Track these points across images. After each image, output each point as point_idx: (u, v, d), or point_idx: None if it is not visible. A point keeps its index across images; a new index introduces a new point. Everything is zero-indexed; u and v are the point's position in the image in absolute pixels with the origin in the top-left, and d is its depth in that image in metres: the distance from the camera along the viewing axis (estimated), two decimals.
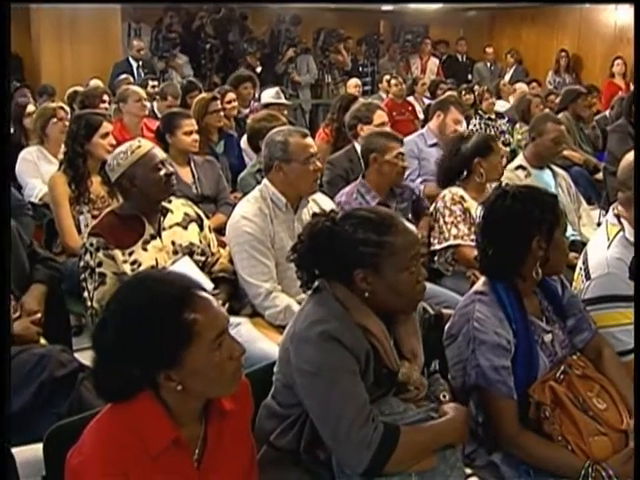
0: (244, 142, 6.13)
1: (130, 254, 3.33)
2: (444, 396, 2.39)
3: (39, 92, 8.52)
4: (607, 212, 3.13)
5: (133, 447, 1.77)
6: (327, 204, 3.71)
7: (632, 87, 10.42)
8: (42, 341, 3.27)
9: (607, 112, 8.63)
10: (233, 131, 6.65)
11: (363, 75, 12.58)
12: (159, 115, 7.03)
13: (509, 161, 5.56)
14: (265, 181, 3.60)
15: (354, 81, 10.06)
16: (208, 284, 3.28)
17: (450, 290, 4.00)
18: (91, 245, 3.31)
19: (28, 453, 2.60)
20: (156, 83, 8.68)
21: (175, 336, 1.76)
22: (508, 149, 7.61)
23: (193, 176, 5.01)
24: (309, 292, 2.34)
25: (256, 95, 7.89)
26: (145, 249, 3.37)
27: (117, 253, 3.30)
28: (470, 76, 13.53)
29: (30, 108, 6.53)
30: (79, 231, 4.31)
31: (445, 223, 4.19)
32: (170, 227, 3.49)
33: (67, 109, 5.91)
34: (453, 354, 2.57)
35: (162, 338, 1.75)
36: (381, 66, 13.41)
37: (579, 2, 12.65)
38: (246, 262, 3.44)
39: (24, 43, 10.71)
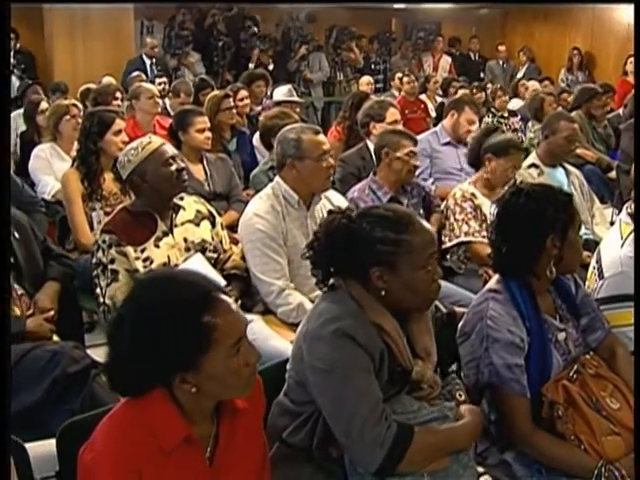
0: (256, 139, 6.14)
1: (142, 251, 3.33)
2: (460, 395, 2.38)
3: (52, 89, 8.54)
4: (620, 211, 3.12)
5: (145, 444, 1.77)
6: (339, 201, 3.71)
7: None
8: (55, 338, 3.28)
9: (620, 110, 8.59)
10: (245, 128, 6.65)
11: (375, 73, 12.57)
12: (171, 112, 7.05)
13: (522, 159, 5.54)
14: (277, 178, 3.60)
15: (366, 79, 10.06)
16: (220, 281, 3.28)
17: (463, 288, 3.99)
18: (103, 242, 3.31)
19: (42, 448, 2.61)
20: (165, 80, 8.69)
21: (194, 340, 1.75)
22: None
23: (205, 173, 5.01)
24: (324, 290, 2.34)
25: (268, 93, 7.89)
26: (157, 246, 3.38)
27: (129, 250, 3.31)
28: (482, 74, 13.49)
29: (43, 105, 6.56)
30: (92, 228, 4.32)
31: (456, 220, 4.19)
32: (182, 224, 3.50)
33: (80, 106, 5.92)
34: (466, 352, 2.57)
35: (181, 341, 1.74)
36: (393, 64, 13.40)
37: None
38: (258, 259, 3.44)
39: (37, 41, 10.77)
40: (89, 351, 3.23)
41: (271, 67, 11.30)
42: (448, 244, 4.23)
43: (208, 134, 5.05)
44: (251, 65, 11.26)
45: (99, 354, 3.10)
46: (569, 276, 2.72)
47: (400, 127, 5.33)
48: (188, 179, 3.54)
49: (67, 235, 4.48)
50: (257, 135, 6.04)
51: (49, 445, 2.52)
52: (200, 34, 11.73)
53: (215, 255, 3.57)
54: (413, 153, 4.37)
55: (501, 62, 13.76)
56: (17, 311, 3.22)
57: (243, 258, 3.57)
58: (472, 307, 2.62)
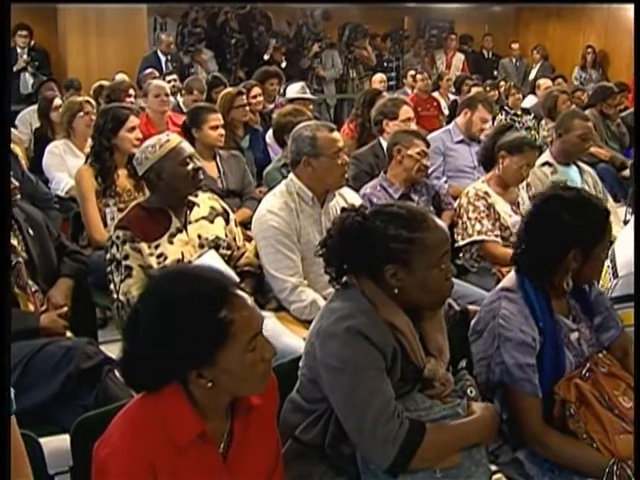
0: (269, 136, 6.14)
1: (156, 247, 3.35)
2: (471, 392, 2.37)
3: (65, 86, 8.56)
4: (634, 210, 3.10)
5: (160, 439, 1.77)
6: (353, 198, 3.72)
7: None
8: (68, 334, 3.29)
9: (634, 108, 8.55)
10: (258, 126, 6.65)
11: (388, 70, 12.54)
12: (184, 109, 7.06)
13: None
14: (291, 175, 3.60)
15: (379, 76, 10.04)
16: (234, 278, 3.29)
17: (475, 286, 3.98)
18: (118, 238, 3.32)
19: (55, 443, 2.62)
20: (175, 77, 8.70)
21: (211, 335, 1.75)
22: None
23: (219, 170, 5.02)
24: (337, 287, 2.34)
25: (281, 90, 7.89)
26: (171, 242, 3.39)
27: (143, 246, 3.32)
28: (495, 72, 13.45)
29: (57, 102, 6.58)
30: (105, 224, 4.33)
31: (469, 219, 4.18)
32: (196, 221, 3.51)
33: (93, 103, 5.94)
34: (478, 350, 2.56)
35: (198, 336, 1.75)
36: (406, 61, 13.38)
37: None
38: (272, 256, 3.44)
39: (51, 38, 10.80)
40: (102, 347, 3.23)
41: (284, 64, 11.29)
42: (461, 243, 4.22)
43: (221, 131, 5.05)
44: (266, 57, 11.26)
45: (112, 350, 3.12)
46: None
47: (413, 125, 5.35)
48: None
49: (81, 231, 4.49)
50: (270, 132, 6.04)
51: (63, 440, 2.54)
52: (213, 31, 11.73)
53: (229, 252, 3.58)
54: (424, 153, 4.38)
55: (514, 60, 13.72)
56: (31, 307, 3.24)
57: (256, 255, 3.57)
58: (485, 305, 2.61)
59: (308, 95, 7.12)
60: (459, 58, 13.62)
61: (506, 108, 8.56)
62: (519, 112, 8.53)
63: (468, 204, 4.19)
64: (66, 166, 5.54)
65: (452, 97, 10.12)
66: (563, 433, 2.43)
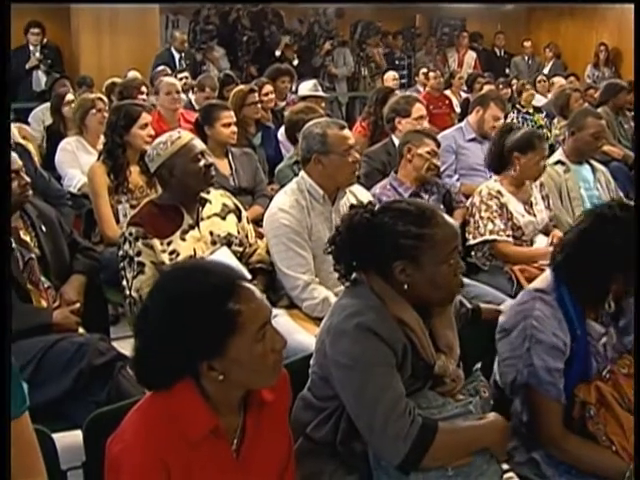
0: (281, 134, 6.14)
1: (169, 244, 3.36)
2: (484, 392, 2.37)
3: (78, 83, 8.58)
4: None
5: (173, 435, 1.78)
6: (365, 196, 3.70)
7: None
8: (80, 330, 3.30)
9: None
10: (270, 123, 6.65)
11: (399, 68, 12.52)
12: (196, 106, 7.06)
13: (547, 156, 5.51)
14: (302, 173, 3.60)
15: (391, 74, 10.01)
16: (246, 275, 3.29)
17: (487, 285, 3.97)
18: (130, 234, 3.33)
19: (68, 439, 2.64)
20: (187, 75, 8.71)
21: (219, 326, 1.77)
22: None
23: (231, 168, 5.02)
24: (346, 285, 2.34)
25: (293, 88, 7.89)
26: (183, 239, 3.40)
27: (156, 243, 3.33)
28: (507, 70, 13.42)
29: (69, 97, 6.62)
30: (117, 221, 4.34)
31: (481, 218, 4.17)
32: (208, 217, 3.51)
33: (106, 100, 5.96)
34: (505, 349, 2.54)
35: (206, 328, 1.76)
36: (418, 59, 13.35)
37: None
38: (283, 254, 3.45)
39: (63, 35, 10.83)
40: (114, 344, 3.25)
41: (295, 62, 11.29)
42: (473, 242, 4.21)
43: (234, 128, 5.06)
44: (277, 53, 11.26)
45: (124, 347, 3.13)
46: None
47: (426, 123, 5.34)
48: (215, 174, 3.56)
49: (93, 228, 4.51)
50: (282, 130, 6.04)
51: (75, 436, 2.55)
52: (225, 29, 11.75)
53: (241, 249, 3.58)
54: (434, 152, 4.36)
55: (526, 58, 13.68)
56: (43, 303, 3.25)
57: (268, 252, 3.58)
58: (515, 304, 2.58)
59: (320, 93, 7.10)
60: (471, 56, 13.59)
61: (518, 106, 8.53)
62: (531, 110, 8.50)
63: (481, 203, 4.17)
64: (78, 163, 5.55)
65: (464, 95, 10.11)
66: (582, 435, 2.42)
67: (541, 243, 4.27)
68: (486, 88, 8.62)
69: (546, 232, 4.36)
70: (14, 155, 3.24)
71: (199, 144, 3.51)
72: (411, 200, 2.43)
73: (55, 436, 2.22)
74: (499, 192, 4.18)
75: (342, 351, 2.17)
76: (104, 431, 1.91)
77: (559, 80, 9.88)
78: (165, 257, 3.32)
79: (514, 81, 10.08)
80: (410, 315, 2.23)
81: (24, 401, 1.99)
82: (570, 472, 2.43)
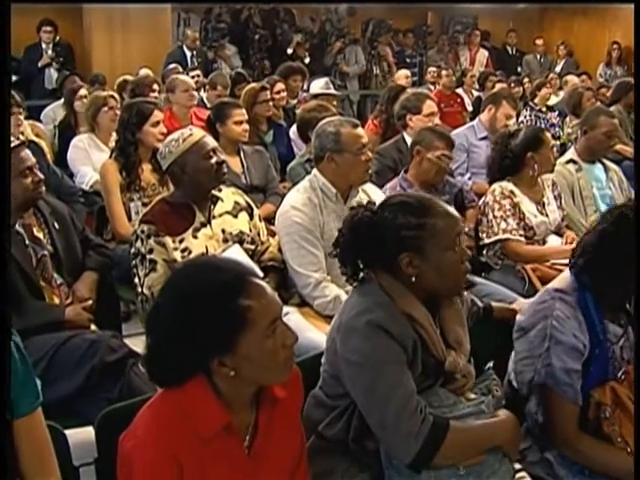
0: (293, 132, 6.14)
1: (180, 242, 3.36)
2: (497, 391, 2.37)
3: (90, 81, 8.60)
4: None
5: (185, 432, 1.78)
6: (377, 194, 3.70)
7: None
8: (92, 327, 3.31)
9: None
10: (282, 121, 6.65)
11: (411, 66, 12.51)
12: (208, 104, 7.08)
13: (559, 155, 5.50)
14: (315, 171, 3.60)
15: (403, 72, 10.00)
16: (257, 271, 3.29)
17: (499, 284, 3.96)
18: (142, 232, 3.34)
19: (80, 435, 2.64)
20: (199, 72, 8.72)
21: (229, 322, 1.77)
22: (558, 143, 7.52)
23: (242, 166, 5.03)
24: (354, 284, 2.35)
25: (304, 86, 7.89)
26: (195, 237, 3.40)
27: (168, 240, 3.33)
28: (519, 68, 13.39)
29: (82, 92, 6.67)
30: (129, 218, 4.36)
31: (494, 217, 4.15)
32: (220, 215, 3.52)
33: (118, 98, 5.98)
34: (522, 348, 2.53)
35: (216, 324, 1.77)
36: (429, 57, 13.34)
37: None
38: (295, 252, 3.45)
39: (75, 33, 10.87)
40: (126, 341, 3.26)
41: (307, 60, 11.29)
42: (486, 241, 4.19)
43: (246, 126, 5.06)
44: (289, 51, 11.26)
45: (136, 344, 3.15)
46: None
47: (437, 120, 5.32)
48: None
49: (105, 225, 4.52)
50: (294, 128, 6.04)
51: (87, 432, 2.56)
52: (236, 27, 11.77)
53: (252, 247, 3.59)
54: (445, 156, 4.30)
55: (538, 56, 13.65)
56: (56, 300, 3.26)
57: (280, 250, 3.57)
58: (534, 303, 2.56)
59: (332, 91, 7.11)
60: (483, 54, 13.56)
61: (531, 104, 8.50)
62: (544, 109, 8.48)
63: (494, 202, 4.15)
64: (90, 160, 5.57)
65: (476, 93, 10.09)
66: (597, 436, 2.40)
67: (553, 243, 4.26)
68: (498, 86, 8.61)
69: (558, 232, 4.35)
70: (27, 152, 3.25)
71: (211, 141, 3.51)
72: (410, 193, 2.44)
73: (67, 432, 2.23)
74: (512, 192, 4.16)
75: (352, 349, 2.18)
76: (116, 428, 1.92)
77: (572, 79, 9.83)
78: (177, 255, 3.32)
79: (526, 79, 10.06)
80: (419, 311, 2.23)
81: (37, 397, 2.00)
82: (583, 473, 2.42)
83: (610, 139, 4.96)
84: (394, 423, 2.09)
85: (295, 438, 2.04)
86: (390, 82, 10.74)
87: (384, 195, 4.01)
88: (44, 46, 9.98)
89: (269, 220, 4.18)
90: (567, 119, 7.98)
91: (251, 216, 3.66)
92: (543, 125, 7.89)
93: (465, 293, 2.69)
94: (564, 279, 2.56)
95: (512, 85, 9.23)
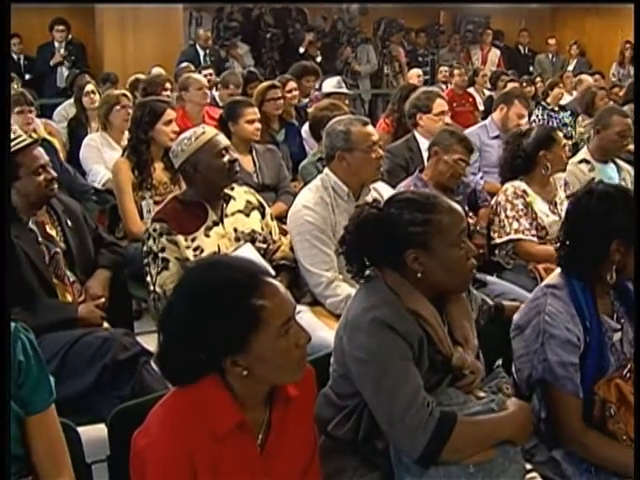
0: (305, 131, 6.14)
1: (193, 240, 3.37)
2: (507, 389, 2.37)
3: (102, 79, 8.62)
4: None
5: (199, 429, 1.78)
6: (388, 193, 3.69)
7: None
8: (105, 325, 3.32)
9: None
10: (294, 120, 6.65)
11: (423, 65, 12.49)
12: (220, 103, 7.08)
13: (572, 155, 5.48)
14: (326, 170, 3.60)
15: (415, 71, 9.99)
16: (270, 270, 3.30)
17: (511, 283, 3.96)
18: (155, 230, 3.35)
19: (92, 432, 2.66)
20: (211, 71, 8.73)
21: (242, 322, 1.77)
22: (570, 142, 7.50)
23: (254, 164, 5.03)
24: (360, 282, 2.36)
25: (316, 85, 7.89)
26: (207, 235, 3.40)
27: (180, 239, 3.34)
28: (531, 68, 13.34)
29: (88, 87, 6.69)
30: (141, 217, 4.36)
31: (507, 217, 4.14)
32: (232, 214, 3.52)
33: (130, 96, 6.00)
34: (519, 346, 2.54)
35: (229, 324, 1.77)
36: (441, 57, 13.32)
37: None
38: (307, 251, 3.45)
39: (87, 32, 10.91)
40: (138, 338, 3.26)
41: (319, 59, 11.29)
42: (498, 240, 4.19)
43: (258, 125, 5.06)
44: (301, 50, 11.27)
45: (148, 341, 3.16)
46: None
47: (448, 119, 5.31)
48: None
49: (117, 223, 4.53)
50: (306, 126, 6.05)
51: (100, 430, 2.57)
52: (248, 25, 11.77)
53: (264, 245, 3.59)
54: (462, 161, 4.28)
55: (551, 56, 13.60)
56: (69, 297, 3.27)
57: (292, 249, 3.58)
58: (529, 301, 2.59)
59: (344, 90, 7.10)
60: (495, 53, 13.51)
61: (543, 104, 8.48)
62: (556, 108, 8.46)
63: (506, 202, 4.15)
64: (103, 158, 5.59)
65: (487, 93, 10.06)
66: (603, 434, 2.40)
67: None
68: (510, 86, 8.57)
69: None
70: (40, 150, 3.26)
71: (223, 140, 3.52)
72: (414, 190, 2.44)
73: (80, 429, 2.24)
74: (524, 191, 4.15)
75: (358, 346, 2.19)
76: (129, 425, 1.92)
77: (585, 78, 9.80)
78: (189, 253, 3.33)
79: (538, 79, 10.03)
80: (425, 307, 2.24)
81: (51, 394, 2.01)
82: (590, 471, 2.42)
83: (623, 139, 4.95)
84: (401, 418, 2.10)
85: (308, 436, 2.04)
86: (401, 81, 10.76)
87: None
88: (57, 45, 10.03)
89: (281, 219, 4.19)
90: (579, 118, 7.96)
91: (263, 215, 3.66)
92: (555, 125, 7.87)
93: (476, 292, 2.70)
94: (555, 275, 2.60)
95: (524, 84, 9.20)
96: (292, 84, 6.96)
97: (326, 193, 3.52)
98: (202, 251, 3.35)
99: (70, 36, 10.19)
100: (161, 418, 1.82)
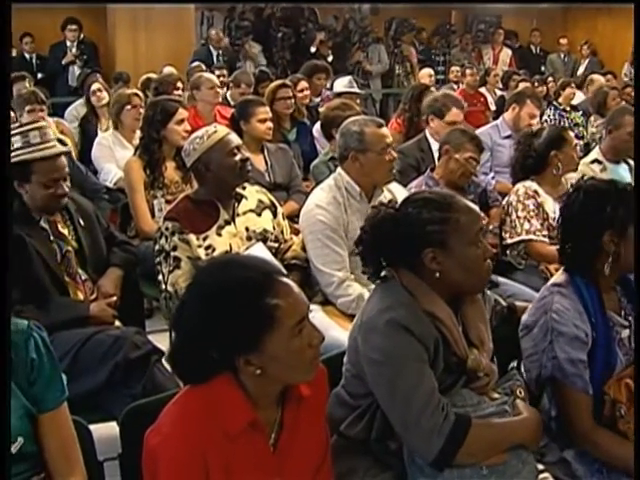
0: (316, 130, 6.14)
1: (204, 239, 3.37)
2: (520, 392, 2.36)
3: (114, 79, 8.66)
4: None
5: (211, 428, 1.79)
6: (401, 193, 3.69)
7: None
8: (117, 323, 3.33)
9: None
10: (305, 119, 6.65)
11: (434, 65, 12.46)
12: (232, 102, 7.08)
13: (583, 155, 5.47)
14: (339, 170, 3.60)
15: (427, 71, 9.97)
16: (284, 271, 3.30)
17: (522, 284, 3.95)
18: (166, 229, 3.36)
19: (104, 430, 2.67)
20: (225, 72, 8.74)
21: (256, 321, 1.77)
22: (582, 142, 7.47)
23: (266, 163, 5.03)
24: (377, 282, 2.35)
25: (327, 85, 7.89)
26: (219, 234, 3.41)
27: (192, 238, 3.35)
28: (543, 68, 13.31)
29: (95, 86, 6.75)
30: (153, 215, 4.38)
31: (518, 217, 4.14)
32: (244, 213, 3.53)
33: (141, 96, 6.01)
34: (528, 345, 2.54)
35: (243, 323, 1.77)
36: (453, 56, 13.29)
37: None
38: (319, 251, 3.45)
39: (100, 31, 10.95)
40: (149, 337, 3.27)
41: (330, 58, 11.28)
42: (509, 241, 4.18)
43: (270, 124, 5.07)
44: (313, 49, 11.27)
45: (159, 340, 3.16)
46: None
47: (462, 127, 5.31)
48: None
49: (129, 222, 4.55)
50: (317, 126, 6.04)
51: (111, 428, 2.58)
52: (260, 25, 11.78)
53: (276, 245, 3.59)
54: (473, 159, 4.29)
55: (562, 55, 13.57)
56: (81, 296, 3.28)
57: (303, 248, 3.58)
58: (537, 301, 2.59)
59: (356, 89, 7.10)
60: (506, 53, 13.48)
61: (555, 104, 8.45)
62: (567, 108, 8.43)
63: (517, 202, 4.14)
64: (114, 157, 5.61)
65: (499, 92, 10.03)
66: (613, 433, 2.40)
67: None
68: (521, 86, 8.54)
69: None
70: (63, 161, 3.25)
71: (235, 139, 3.52)
72: (431, 190, 2.44)
73: (91, 427, 2.25)
74: (536, 191, 4.15)
75: (374, 347, 2.18)
76: (140, 424, 1.93)
77: (597, 78, 9.76)
78: (201, 252, 3.33)
79: (550, 79, 10.00)
80: (442, 309, 2.23)
81: (63, 392, 2.02)
82: (602, 472, 2.41)
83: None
84: (416, 421, 2.09)
85: (320, 436, 2.04)
86: (412, 81, 10.74)
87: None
88: (69, 44, 10.07)
89: (292, 218, 4.19)
90: (591, 118, 7.93)
91: (275, 214, 3.66)
92: (567, 125, 7.84)
93: (489, 292, 2.70)
94: (561, 274, 2.61)
95: (536, 84, 9.17)
96: (303, 83, 6.97)
97: (339, 193, 3.52)
98: (214, 250, 3.36)
99: (82, 35, 10.23)
100: (174, 416, 1.82)
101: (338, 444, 2.28)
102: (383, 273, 2.33)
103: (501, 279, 3.94)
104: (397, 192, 3.69)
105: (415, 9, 13.28)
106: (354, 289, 3.39)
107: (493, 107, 9.49)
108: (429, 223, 2.22)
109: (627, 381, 2.42)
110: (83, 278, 3.32)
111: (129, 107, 5.67)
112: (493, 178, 5.54)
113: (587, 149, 6.66)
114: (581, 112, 8.41)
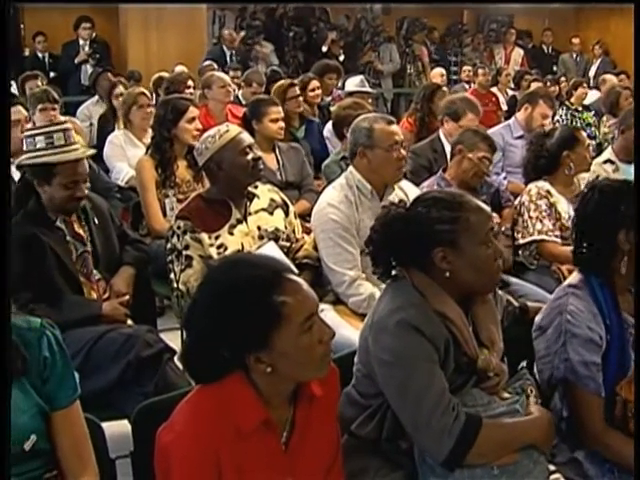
0: (328, 130, 6.14)
1: (216, 238, 3.38)
2: (531, 390, 2.35)
3: (127, 77, 8.68)
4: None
5: (224, 427, 1.79)
6: (413, 192, 3.68)
7: None
8: (129, 321, 3.34)
9: None
10: (314, 117, 6.65)
11: (446, 64, 12.45)
12: (243, 102, 7.09)
13: (596, 155, 5.45)
14: (351, 168, 3.60)
15: (439, 70, 9.97)
16: (292, 268, 3.30)
17: (534, 284, 3.94)
18: (178, 228, 3.36)
19: (116, 428, 2.68)
20: (239, 74, 8.76)
21: (265, 318, 1.78)
22: (594, 142, 7.45)
23: (278, 162, 5.04)
24: (387, 282, 2.35)
25: (339, 84, 7.89)
26: (231, 233, 3.41)
27: (204, 236, 3.35)
28: (555, 67, 13.27)
29: (118, 90, 6.73)
30: (164, 214, 4.39)
31: (530, 218, 4.13)
32: (256, 212, 3.53)
33: (149, 95, 6.02)
34: (541, 347, 2.53)
35: (252, 320, 1.77)
36: (465, 56, 13.27)
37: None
38: (331, 249, 3.45)
39: (111, 31, 10.99)
40: (161, 335, 3.28)
41: (341, 58, 11.28)
42: (521, 241, 4.17)
43: (282, 124, 5.07)
44: (324, 49, 11.27)
45: (170, 338, 3.18)
46: None
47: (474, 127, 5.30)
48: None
49: (140, 221, 4.55)
50: (329, 125, 6.04)
51: (124, 425, 2.59)
52: (271, 24, 11.80)
53: (288, 244, 3.59)
54: (486, 159, 4.27)
55: (574, 55, 13.52)
56: (94, 294, 3.29)
57: (315, 248, 3.58)
58: (551, 302, 2.58)
59: (367, 89, 7.10)
60: (518, 53, 13.44)
61: (567, 104, 8.43)
62: (580, 108, 8.41)
63: (530, 202, 4.14)
64: (126, 156, 5.62)
65: (510, 92, 10.01)
66: (624, 434, 2.39)
67: None
68: (533, 85, 8.53)
69: None
70: (84, 165, 3.25)
71: (247, 138, 3.52)
72: (441, 189, 2.44)
73: (104, 425, 2.25)
74: (548, 192, 4.14)
75: (384, 347, 2.18)
76: (152, 422, 1.93)
77: (610, 78, 9.73)
78: (213, 251, 3.34)
79: (562, 79, 9.97)
80: (452, 309, 2.23)
81: (75, 390, 2.03)
82: (613, 472, 2.41)
83: None
84: (427, 421, 2.09)
85: (331, 435, 2.04)
86: (424, 81, 10.73)
87: None
88: (81, 43, 10.10)
89: (304, 217, 4.19)
90: (604, 118, 7.91)
91: (286, 213, 3.67)
92: (579, 125, 7.83)
93: (501, 292, 2.69)
94: (576, 275, 2.60)
95: (548, 84, 9.15)
96: (315, 83, 6.96)
97: (350, 191, 3.52)
98: (226, 249, 3.36)
99: (95, 34, 10.26)
100: (186, 415, 1.83)
101: (349, 444, 2.27)
102: (394, 273, 2.33)
103: (513, 279, 3.93)
104: (409, 191, 3.69)
105: (427, 9, 13.26)
106: (365, 288, 3.39)
107: (505, 107, 9.46)
108: (439, 222, 2.22)
109: None
110: (96, 277, 3.33)
111: (136, 107, 5.68)
112: (505, 178, 5.52)
113: (599, 149, 6.64)
114: (593, 112, 8.39)
